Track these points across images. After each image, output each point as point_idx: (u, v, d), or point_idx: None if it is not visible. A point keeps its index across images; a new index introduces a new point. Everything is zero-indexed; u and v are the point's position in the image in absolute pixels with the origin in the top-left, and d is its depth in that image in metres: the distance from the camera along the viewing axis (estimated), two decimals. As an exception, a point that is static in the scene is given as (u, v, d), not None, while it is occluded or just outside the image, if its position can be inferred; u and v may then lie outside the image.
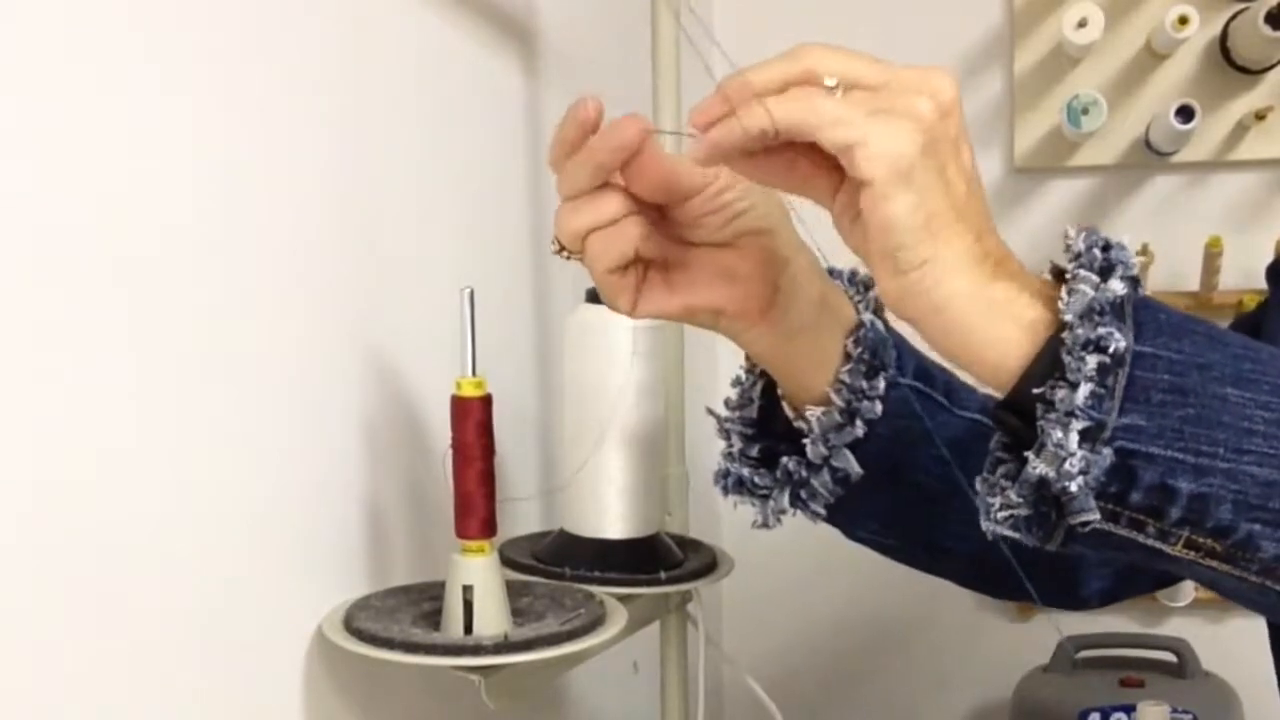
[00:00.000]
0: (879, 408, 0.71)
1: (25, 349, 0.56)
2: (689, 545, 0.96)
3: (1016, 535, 0.56)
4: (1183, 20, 1.46)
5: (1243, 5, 1.48)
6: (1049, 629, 1.34)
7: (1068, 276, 0.55)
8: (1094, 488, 0.52)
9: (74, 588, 0.60)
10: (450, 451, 0.76)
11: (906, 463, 0.74)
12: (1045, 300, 0.56)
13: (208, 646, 0.69)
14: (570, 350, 0.90)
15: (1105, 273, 0.54)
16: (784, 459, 0.74)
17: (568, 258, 0.66)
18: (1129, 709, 1.36)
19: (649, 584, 0.87)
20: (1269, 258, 1.46)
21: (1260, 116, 1.50)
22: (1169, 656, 1.44)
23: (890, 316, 0.70)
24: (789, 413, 0.75)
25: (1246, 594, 0.56)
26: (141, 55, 0.63)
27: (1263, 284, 1.49)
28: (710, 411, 0.78)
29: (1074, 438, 0.52)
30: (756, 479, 0.75)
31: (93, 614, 0.61)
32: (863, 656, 1.70)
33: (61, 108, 0.58)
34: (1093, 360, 0.52)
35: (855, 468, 0.72)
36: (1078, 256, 0.56)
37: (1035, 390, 0.54)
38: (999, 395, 0.57)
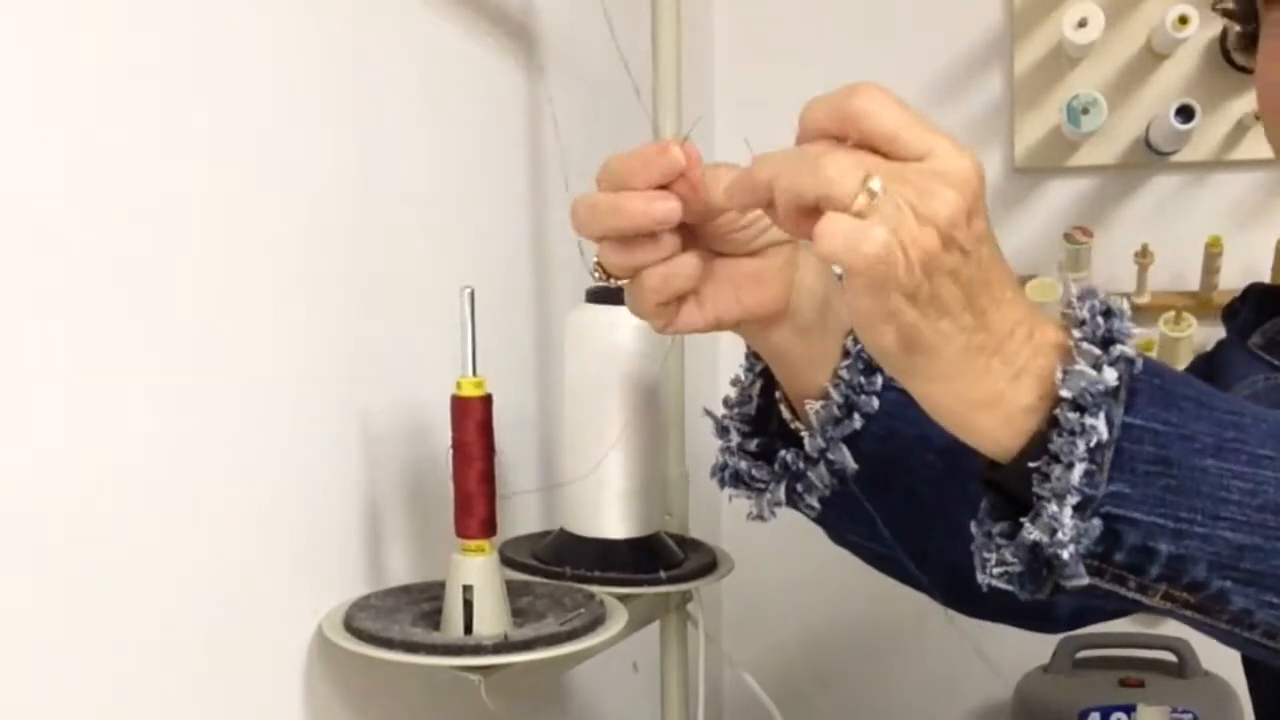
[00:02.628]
0: (875, 403, 0.73)
1: (25, 349, 0.56)
2: (689, 545, 0.96)
3: (1011, 588, 0.59)
4: (1183, 20, 1.46)
5: (1243, 5, 1.48)
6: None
7: (1071, 346, 0.57)
8: (1085, 553, 0.56)
9: (74, 588, 0.60)
10: (450, 451, 0.76)
11: (899, 464, 0.76)
12: (1041, 378, 0.58)
13: (208, 646, 0.69)
14: (570, 350, 0.90)
15: (1106, 343, 0.57)
16: (781, 452, 0.75)
17: (614, 284, 0.67)
18: (1129, 709, 1.36)
19: (649, 584, 0.87)
20: (1269, 257, 1.47)
21: (1260, 116, 1.50)
22: (1169, 656, 1.44)
23: None
24: (785, 414, 0.76)
25: (1218, 636, 0.61)
26: (143, 57, 0.63)
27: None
28: (708, 412, 0.79)
29: (1068, 511, 0.56)
30: (754, 472, 0.76)
31: (93, 614, 0.61)
32: (862, 656, 1.70)
33: (62, 108, 0.58)
34: (1084, 444, 0.55)
35: (850, 462, 0.73)
36: (1080, 324, 0.58)
37: (1031, 465, 0.57)
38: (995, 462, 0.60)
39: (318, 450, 0.78)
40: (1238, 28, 0.91)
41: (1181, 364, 1.49)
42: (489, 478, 0.76)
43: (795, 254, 0.69)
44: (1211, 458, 0.57)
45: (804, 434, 0.74)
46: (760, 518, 0.77)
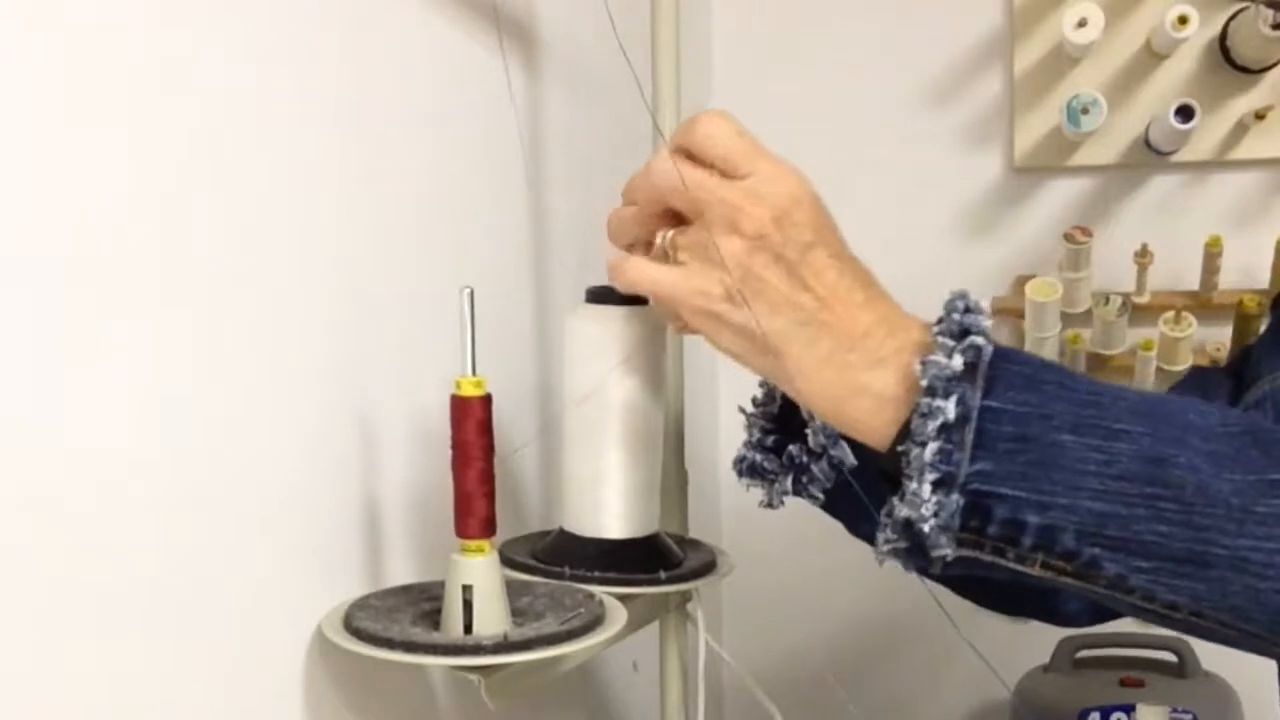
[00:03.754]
0: None
1: (26, 350, 0.56)
2: (689, 545, 0.96)
3: (899, 562, 0.65)
4: (1183, 20, 1.46)
5: (1242, 5, 1.48)
6: (1049, 629, 1.34)
7: (931, 339, 0.64)
8: (948, 526, 0.62)
9: (74, 588, 0.60)
10: (450, 451, 0.76)
11: None
12: (902, 368, 0.64)
13: (207, 646, 0.69)
14: (570, 350, 0.90)
15: (961, 335, 0.63)
16: (790, 446, 0.85)
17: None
18: (1129, 709, 1.36)
19: (649, 584, 0.87)
20: (1269, 257, 1.47)
21: (1260, 116, 1.50)
22: (1169, 656, 1.44)
23: None
24: (804, 412, 0.83)
25: (1105, 602, 0.65)
26: (141, 55, 0.63)
27: (1262, 284, 1.50)
28: (741, 409, 0.89)
29: (926, 487, 0.61)
30: (766, 464, 0.86)
31: (93, 614, 0.61)
32: (863, 656, 1.70)
33: (61, 108, 0.58)
34: (935, 424, 0.61)
35: (849, 457, 0.81)
36: (939, 321, 0.64)
37: (899, 449, 0.64)
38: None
39: (317, 450, 0.78)
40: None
41: (1182, 363, 1.49)
42: (489, 478, 0.76)
43: None
44: (1069, 433, 0.62)
45: (808, 430, 0.83)
46: (770, 505, 0.87)
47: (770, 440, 0.87)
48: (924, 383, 0.62)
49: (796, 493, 0.85)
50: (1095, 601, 0.91)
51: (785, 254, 0.66)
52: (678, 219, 0.71)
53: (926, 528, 0.62)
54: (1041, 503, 0.61)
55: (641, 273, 0.70)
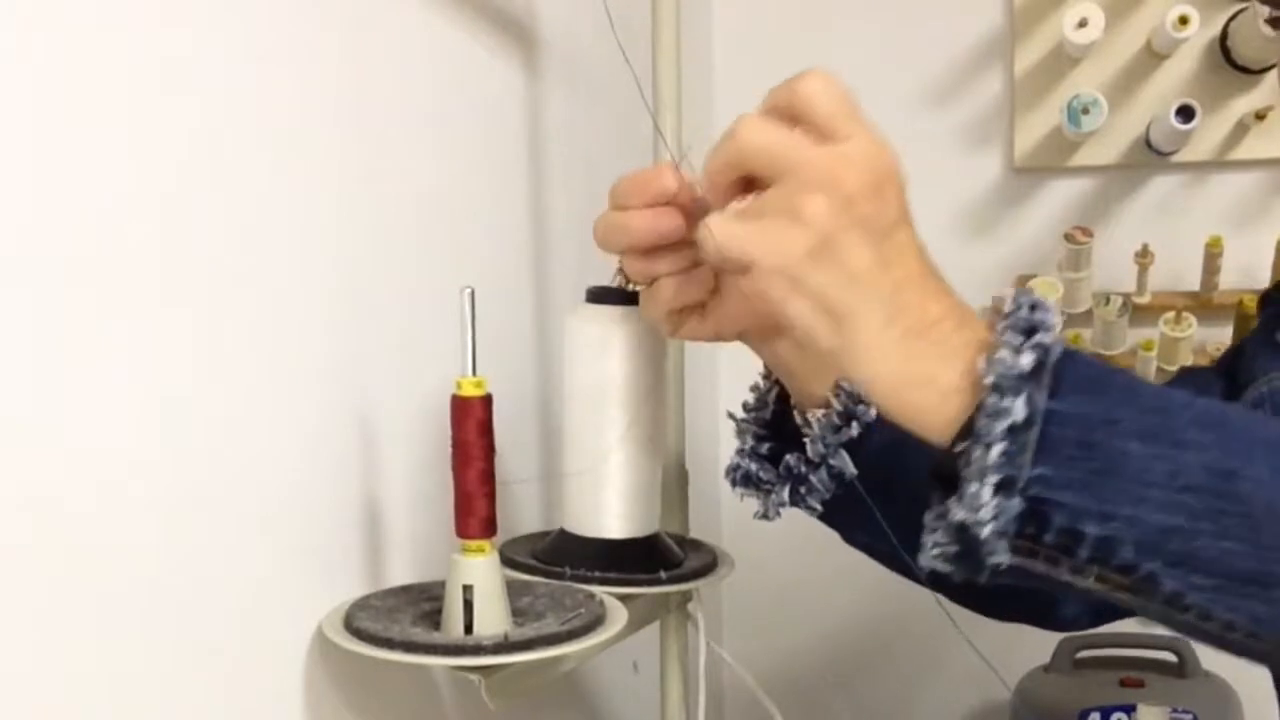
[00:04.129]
0: (873, 413, 0.75)
1: (26, 350, 0.56)
2: (689, 545, 0.96)
3: (948, 569, 0.62)
4: (1183, 20, 1.46)
5: (1242, 5, 1.48)
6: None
7: (993, 339, 0.61)
8: (1005, 531, 0.59)
9: (74, 588, 0.60)
10: (450, 451, 0.76)
11: (901, 469, 0.77)
12: (968, 363, 0.61)
13: (208, 645, 0.69)
14: (570, 350, 0.90)
15: (1029, 332, 0.60)
16: (787, 456, 0.80)
17: (632, 288, 0.76)
18: (1129, 709, 1.36)
19: (649, 584, 0.87)
20: (1269, 257, 1.47)
21: (1260, 116, 1.50)
22: (1169, 656, 1.44)
23: None
24: (798, 419, 0.80)
25: (1154, 618, 0.62)
26: (141, 54, 0.63)
27: (1263, 284, 1.50)
28: (730, 415, 0.84)
29: (987, 490, 0.58)
30: (761, 473, 0.81)
31: (93, 614, 0.61)
32: (862, 656, 1.70)
33: (61, 107, 0.58)
34: (1002, 425, 0.58)
35: (850, 468, 0.77)
36: (1006, 316, 0.61)
37: (957, 449, 0.60)
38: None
39: (317, 450, 0.78)
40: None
41: (1182, 363, 1.49)
42: (489, 478, 0.76)
43: None
44: (1135, 441, 0.59)
45: (806, 440, 0.78)
46: (766, 517, 0.82)
47: (765, 448, 0.82)
48: (989, 380, 0.59)
49: (794, 503, 0.81)
50: (1094, 606, 0.91)
51: (872, 226, 0.61)
52: (747, 191, 0.66)
53: (984, 533, 0.59)
54: (1103, 513, 0.58)
55: (721, 229, 0.63)
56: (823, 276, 0.61)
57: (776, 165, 0.62)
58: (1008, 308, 0.61)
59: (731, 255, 0.62)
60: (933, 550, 0.62)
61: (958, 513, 0.59)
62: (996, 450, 0.58)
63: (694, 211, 0.69)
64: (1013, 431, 0.58)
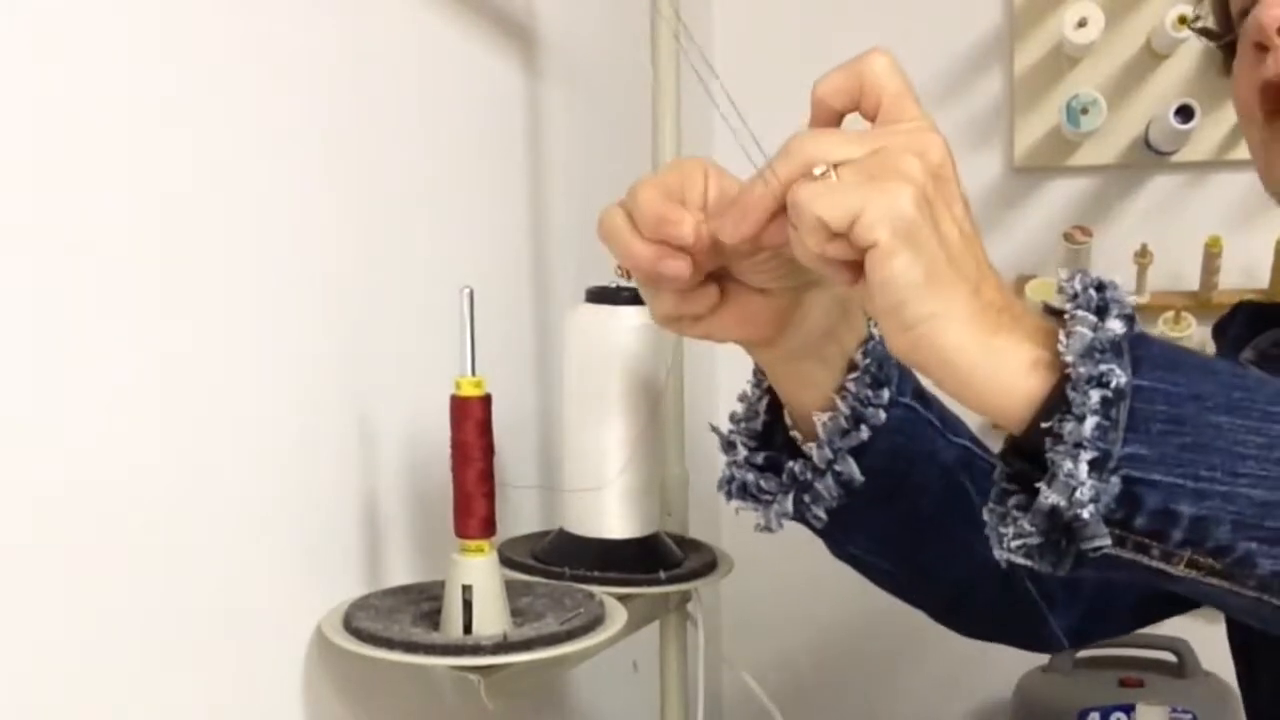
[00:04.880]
0: (882, 415, 0.74)
1: (25, 350, 0.56)
2: (689, 545, 0.96)
3: (1029, 563, 0.58)
4: (1182, 20, 1.46)
5: (1242, 5, 1.48)
6: (1049, 629, 1.34)
7: (1066, 317, 0.58)
8: (1103, 514, 0.55)
9: (75, 588, 0.60)
10: (450, 451, 0.76)
11: (903, 480, 0.77)
12: (1045, 343, 0.59)
13: (208, 646, 0.69)
14: (570, 350, 0.90)
15: (1101, 312, 0.58)
16: (789, 463, 0.76)
17: (629, 279, 0.72)
18: (1129, 709, 1.36)
19: (649, 584, 0.87)
20: (1269, 258, 1.47)
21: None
22: (1169, 656, 1.44)
23: None
24: (788, 420, 0.77)
25: (1243, 608, 0.59)
26: (141, 57, 0.63)
27: (1263, 284, 1.50)
28: (714, 428, 0.80)
29: (1084, 468, 0.55)
30: (762, 483, 0.77)
31: (93, 614, 0.61)
32: (862, 656, 1.70)
33: (60, 109, 0.58)
34: (1096, 395, 0.55)
35: (857, 474, 0.74)
36: (1074, 297, 0.59)
37: (1043, 425, 0.57)
38: (1013, 434, 0.60)
39: (317, 450, 0.78)
40: (1213, 44, 0.92)
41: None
42: (488, 478, 0.76)
43: (801, 299, 0.71)
44: (1224, 414, 0.56)
45: (811, 446, 0.75)
46: (768, 529, 0.78)
47: (760, 458, 0.78)
48: (1069, 358, 0.56)
49: (797, 514, 0.77)
50: (1080, 627, 0.90)
51: (954, 199, 0.60)
52: None
53: (1085, 514, 0.55)
54: (1198, 491, 0.55)
55: (820, 196, 0.58)
56: (926, 235, 0.57)
57: (857, 148, 0.60)
58: (1074, 288, 0.59)
59: (834, 213, 0.57)
60: (1014, 542, 0.58)
61: (1049, 497, 0.56)
62: (1090, 424, 0.55)
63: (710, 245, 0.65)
64: (1105, 404, 0.55)
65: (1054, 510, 0.56)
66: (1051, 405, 0.57)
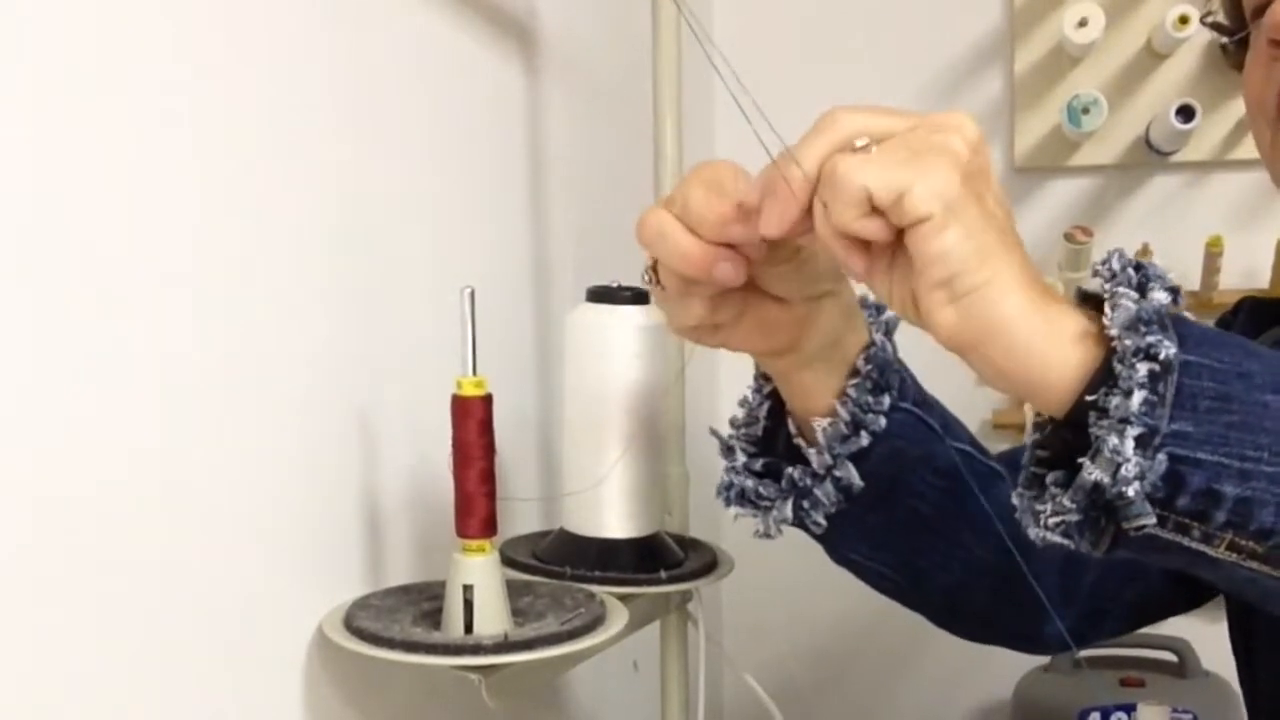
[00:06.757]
0: (883, 421, 0.75)
1: (26, 350, 0.56)
2: (689, 545, 0.96)
3: (1067, 542, 0.57)
4: (1183, 20, 1.46)
5: (1243, 5, 1.48)
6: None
7: (1107, 294, 0.57)
8: (1147, 492, 0.54)
9: (75, 588, 0.60)
10: (451, 451, 0.76)
11: (902, 484, 0.78)
12: (1089, 318, 0.58)
13: (208, 646, 0.69)
14: (570, 350, 0.90)
15: (1142, 288, 0.57)
16: (789, 469, 0.76)
17: (658, 288, 0.69)
18: (1129, 709, 1.36)
19: (649, 583, 0.87)
20: (1269, 257, 1.47)
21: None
22: (1169, 656, 1.44)
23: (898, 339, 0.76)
24: (792, 428, 0.78)
25: (1271, 595, 0.58)
26: (141, 57, 0.63)
27: (1263, 284, 1.50)
28: (714, 432, 0.81)
29: (1129, 444, 0.54)
30: (761, 489, 0.77)
31: (93, 614, 0.61)
32: (863, 656, 1.70)
33: (60, 110, 0.58)
34: (1144, 368, 0.54)
35: (857, 479, 0.75)
36: (1113, 276, 0.58)
37: (1089, 398, 0.56)
38: (1053, 412, 0.59)
39: (318, 450, 0.78)
40: (1224, 40, 0.92)
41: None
42: (489, 477, 0.76)
43: (819, 310, 0.71)
44: (1272, 393, 0.55)
45: (811, 452, 0.75)
46: (767, 535, 0.78)
47: (759, 464, 0.78)
48: (1114, 330, 0.55)
49: (796, 520, 0.77)
50: (1078, 628, 0.90)
51: (992, 175, 0.60)
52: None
53: (1129, 491, 0.53)
54: (1244, 471, 0.54)
55: (865, 166, 0.57)
56: (973, 209, 0.57)
57: (896, 123, 0.59)
58: (1113, 267, 0.58)
59: (882, 185, 0.56)
60: (1052, 519, 0.57)
61: (1093, 472, 0.54)
62: (1138, 398, 0.54)
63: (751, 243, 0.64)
64: (1153, 378, 0.54)
65: (1096, 486, 0.55)
66: (1097, 379, 0.56)
